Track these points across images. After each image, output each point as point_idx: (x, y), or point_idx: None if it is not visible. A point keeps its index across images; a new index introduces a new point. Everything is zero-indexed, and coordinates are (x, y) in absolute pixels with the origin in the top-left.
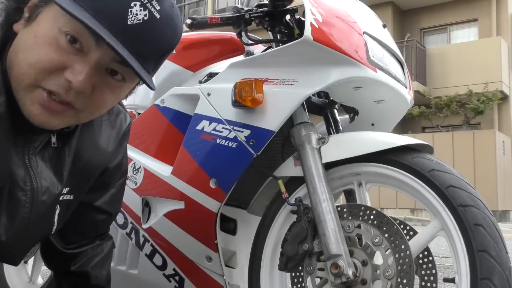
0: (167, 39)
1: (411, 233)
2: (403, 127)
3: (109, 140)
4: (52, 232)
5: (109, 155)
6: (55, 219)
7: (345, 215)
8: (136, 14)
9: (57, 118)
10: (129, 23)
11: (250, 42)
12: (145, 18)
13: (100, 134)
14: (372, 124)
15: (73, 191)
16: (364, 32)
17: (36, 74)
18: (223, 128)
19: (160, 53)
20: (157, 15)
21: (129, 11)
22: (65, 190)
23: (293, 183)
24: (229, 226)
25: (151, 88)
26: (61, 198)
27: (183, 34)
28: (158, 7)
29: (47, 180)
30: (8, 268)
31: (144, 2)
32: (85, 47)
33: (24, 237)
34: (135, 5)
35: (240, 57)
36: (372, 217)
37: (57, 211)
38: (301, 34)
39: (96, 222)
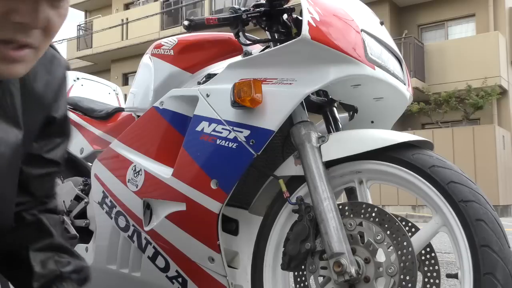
0: None
1: (413, 229)
2: (402, 124)
3: (47, 86)
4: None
5: (50, 100)
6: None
7: (347, 213)
8: None
9: (21, 64)
10: None
11: (248, 42)
12: None
13: (35, 78)
14: (372, 122)
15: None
16: (362, 30)
17: None
18: (222, 128)
19: None
20: None
21: None
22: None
23: (294, 182)
24: (231, 227)
25: None
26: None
27: (181, 36)
28: None
29: None
30: None
31: None
32: None
33: None
34: None
35: (238, 58)
36: (373, 214)
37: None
38: (298, 33)
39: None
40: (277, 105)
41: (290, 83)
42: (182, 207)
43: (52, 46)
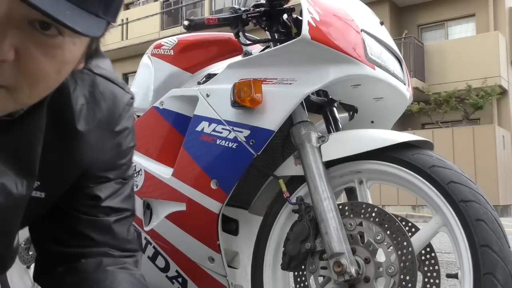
0: None
1: (413, 229)
2: (402, 124)
3: (95, 127)
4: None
5: (93, 141)
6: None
7: (347, 213)
8: None
9: None
10: None
11: (248, 42)
12: None
13: (79, 118)
14: (372, 122)
15: (45, 187)
16: (362, 30)
17: None
18: (222, 129)
19: None
20: None
21: None
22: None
23: (294, 182)
24: (231, 227)
25: (92, 37)
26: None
27: (181, 36)
28: None
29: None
30: (11, 272)
31: None
32: None
33: None
34: None
35: (238, 58)
36: (373, 214)
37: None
38: (298, 33)
39: None
40: (277, 105)
41: (290, 83)
42: (182, 207)
43: (115, 82)
